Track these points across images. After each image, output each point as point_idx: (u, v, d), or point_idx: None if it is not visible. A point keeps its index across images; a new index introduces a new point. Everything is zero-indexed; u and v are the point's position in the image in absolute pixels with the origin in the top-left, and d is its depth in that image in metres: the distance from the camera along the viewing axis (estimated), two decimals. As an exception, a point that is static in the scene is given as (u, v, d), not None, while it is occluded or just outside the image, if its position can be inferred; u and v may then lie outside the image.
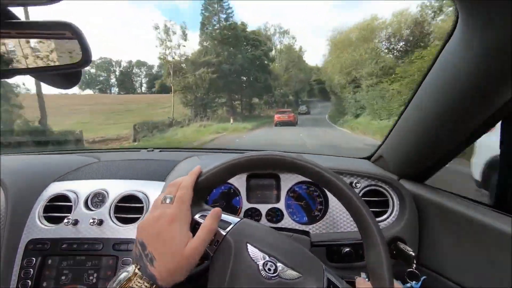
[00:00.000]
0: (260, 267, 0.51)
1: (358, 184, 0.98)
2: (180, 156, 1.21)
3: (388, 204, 0.97)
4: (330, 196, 0.97)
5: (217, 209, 0.55)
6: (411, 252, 0.79)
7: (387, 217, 0.96)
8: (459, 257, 0.77)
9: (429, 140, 0.84)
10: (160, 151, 1.40)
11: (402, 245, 0.85)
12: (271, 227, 0.94)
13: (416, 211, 0.92)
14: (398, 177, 1.02)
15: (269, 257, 0.52)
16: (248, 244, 0.53)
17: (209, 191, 0.61)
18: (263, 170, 0.99)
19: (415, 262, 0.78)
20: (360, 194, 0.98)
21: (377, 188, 0.99)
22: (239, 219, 0.57)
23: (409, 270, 0.80)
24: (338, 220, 0.95)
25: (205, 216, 0.54)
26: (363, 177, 0.99)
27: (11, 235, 0.85)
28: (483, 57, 0.57)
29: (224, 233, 0.53)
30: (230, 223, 0.55)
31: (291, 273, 0.52)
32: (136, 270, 0.48)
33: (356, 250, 0.88)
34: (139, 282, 0.47)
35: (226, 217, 0.57)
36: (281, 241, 0.59)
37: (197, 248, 0.50)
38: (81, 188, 0.95)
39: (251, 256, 0.52)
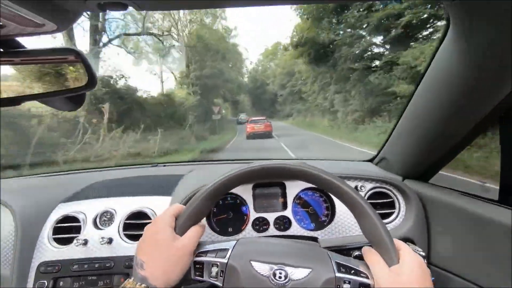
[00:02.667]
0: (271, 278, 0.52)
1: (363, 187, 0.99)
2: (184, 170, 1.22)
3: (394, 205, 0.98)
4: (336, 201, 0.97)
5: (203, 225, 0.60)
6: (421, 252, 0.79)
7: (394, 219, 0.96)
8: (469, 254, 0.77)
9: (430, 139, 0.86)
10: (164, 165, 1.40)
11: (411, 246, 0.85)
12: (280, 235, 0.95)
13: (422, 211, 0.93)
14: (402, 178, 1.02)
15: (275, 265, 0.54)
16: (251, 262, 0.54)
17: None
18: (265, 180, 1.01)
19: (425, 262, 0.78)
20: (366, 197, 0.98)
21: (382, 190, 0.99)
22: (234, 241, 0.59)
23: None
24: (346, 224, 0.95)
25: None
26: (367, 180, 0.99)
27: (21, 258, 0.85)
28: (476, 57, 0.59)
29: (225, 261, 0.54)
30: (227, 249, 0.56)
31: (301, 272, 0.54)
32: (130, 280, 0.51)
33: None
34: (131, 286, 0.50)
35: (219, 245, 0.58)
36: (281, 245, 0.61)
37: (185, 245, 0.54)
38: (89, 208, 0.96)
39: (258, 271, 0.53)
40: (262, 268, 0.53)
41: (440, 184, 0.97)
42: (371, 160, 1.27)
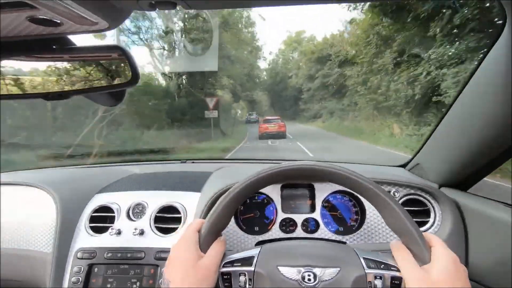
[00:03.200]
0: (300, 282, 0.52)
1: (396, 194, 0.95)
2: (212, 168, 1.25)
3: (429, 214, 0.93)
4: (367, 206, 0.94)
5: (222, 237, 0.60)
6: None
7: (429, 228, 0.92)
8: (510, 269, 0.71)
9: (474, 146, 0.81)
10: (193, 162, 1.44)
11: None
12: (307, 238, 0.94)
13: (460, 221, 0.88)
14: (438, 185, 0.97)
15: (303, 268, 0.53)
16: (279, 267, 0.53)
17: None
18: (296, 181, 1.00)
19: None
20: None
21: (417, 197, 0.95)
22: (258, 248, 0.58)
23: None
24: (376, 231, 0.92)
25: None
26: (401, 185, 0.96)
27: (61, 244, 0.91)
28: None
29: (252, 268, 0.54)
30: (253, 256, 0.56)
31: (330, 272, 0.53)
32: None
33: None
34: None
35: (244, 253, 0.58)
36: (306, 247, 0.61)
37: (210, 264, 0.54)
38: (123, 199, 1.00)
39: (287, 276, 0.52)
40: (290, 272, 0.53)
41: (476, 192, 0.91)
42: (403, 166, 1.22)
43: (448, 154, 0.92)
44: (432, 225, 0.91)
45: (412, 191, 0.95)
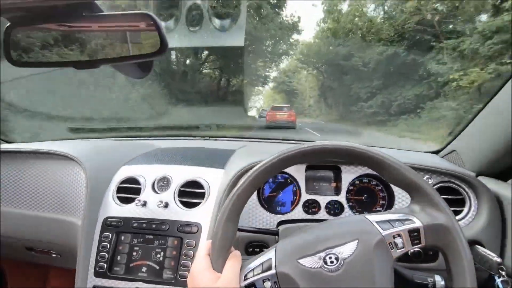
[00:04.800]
0: (324, 267, 0.50)
1: (429, 180, 0.90)
2: (235, 145, 1.24)
3: (463, 203, 0.88)
4: (396, 191, 0.90)
5: (236, 251, 0.58)
6: (496, 258, 0.70)
7: (462, 218, 0.87)
8: None
9: None
10: (216, 139, 1.44)
11: (482, 250, 0.76)
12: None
13: (498, 213, 0.82)
14: (476, 174, 0.91)
15: (323, 252, 0.51)
16: (299, 260, 0.52)
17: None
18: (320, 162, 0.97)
19: (502, 269, 0.69)
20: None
21: (451, 185, 0.90)
22: (273, 248, 0.56)
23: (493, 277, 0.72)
24: None
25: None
26: (435, 172, 0.90)
27: (90, 212, 0.94)
28: None
29: (274, 271, 0.52)
30: (270, 258, 0.54)
31: (349, 247, 0.51)
32: None
33: (425, 250, 0.81)
34: None
35: (260, 258, 0.55)
36: (319, 230, 0.58)
37: (228, 282, 0.51)
38: (148, 172, 1.02)
39: (309, 267, 0.51)
40: (312, 261, 0.51)
41: None
42: (436, 152, 1.15)
43: (489, 142, 0.85)
44: (466, 215, 0.86)
45: (446, 179, 0.90)
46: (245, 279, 0.53)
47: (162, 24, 0.54)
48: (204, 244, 0.59)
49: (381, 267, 0.50)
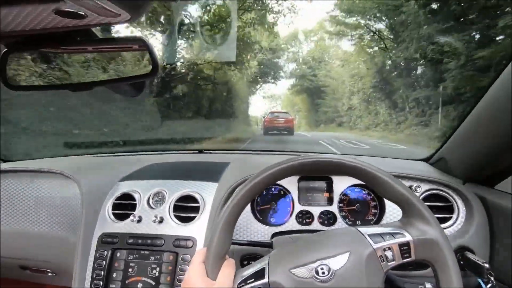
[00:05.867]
0: (316, 278, 0.51)
1: (418, 188, 0.92)
2: (230, 158, 1.26)
3: (452, 210, 0.90)
4: (387, 201, 0.92)
5: (230, 259, 0.59)
6: (484, 264, 0.72)
7: (452, 224, 0.89)
8: None
9: (502, 141, 0.77)
10: (211, 152, 1.45)
11: (471, 256, 0.78)
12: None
13: (486, 218, 0.84)
14: (463, 181, 0.94)
15: (314, 263, 0.52)
16: (291, 271, 0.53)
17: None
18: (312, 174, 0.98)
19: (490, 275, 0.71)
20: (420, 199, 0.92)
21: (440, 192, 0.92)
22: (267, 258, 0.57)
23: (483, 282, 0.73)
24: None
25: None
26: (423, 180, 0.93)
27: (86, 229, 0.95)
28: None
29: (267, 280, 0.53)
30: (264, 268, 0.55)
31: (341, 259, 0.52)
32: None
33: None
34: None
35: (254, 267, 0.57)
36: (312, 240, 0.59)
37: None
38: (143, 187, 1.03)
39: (302, 277, 0.52)
40: (304, 272, 0.52)
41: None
42: (426, 160, 1.18)
43: (475, 149, 0.88)
44: (455, 222, 0.88)
45: (435, 186, 0.92)
46: (238, 287, 0.54)
47: (153, 47, 0.57)
48: (199, 252, 0.60)
49: (372, 279, 0.51)
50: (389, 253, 0.52)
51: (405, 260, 0.53)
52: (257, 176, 0.57)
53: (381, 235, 0.54)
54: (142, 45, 0.58)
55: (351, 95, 19.36)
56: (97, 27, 0.60)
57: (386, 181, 0.56)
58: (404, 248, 0.53)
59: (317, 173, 0.59)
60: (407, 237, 0.53)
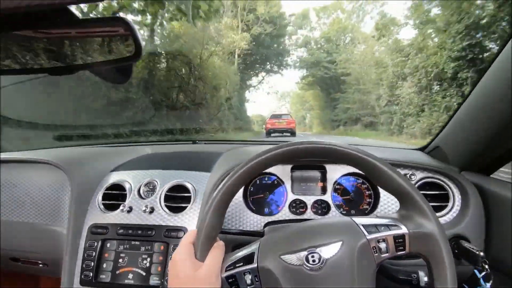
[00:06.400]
0: (305, 265, 0.50)
1: (413, 176, 0.91)
2: (223, 149, 1.24)
3: (448, 198, 0.89)
4: (382, 190, 0.91)
5: (220, 241, 0.58)
6: (479, 252, 0.71)
7: (447, 213, 0.88)
8: None
9: (498, 129, 0.75)
10: (205, 143, 1.43)
11: (466, 244, 0.77)
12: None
13: (481, 207, 0.83)
14: (459, 169, 0.92)
15: (305, 251, 0.51)
16: (281, 256, 0.52)
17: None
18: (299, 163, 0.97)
19: (485, 263, 0.70)
20: (416, 187, 0.91)
21: (435, 180, 0.91)
22: (258, 243, 0.56)
23: (478, 270, 0.73)
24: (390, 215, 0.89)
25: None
26: (418, 168, 0.91)
27: (76, 220, 0.93)
28: None
29: (255, 265, 0.52)
30: (253, 252, 0.54)
31: (333, 247, 0.51)
32: None
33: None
34: None
35: (244, 251, 0.56)
36: (305, 228, 0.58)
37: (209, 273, 0.52)
38: (134, 178, 1.01)
39: (291, 263, 0.51)
40: (294, 258, 0.51)
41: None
42: (422, 149, 1.17)
43: (471, 137, 0.86)
44: (450, 210, 0.87)
45: (430, 175, 0.91)
46: (226, 270, 0.53)
47: (136, 29, 0.54)
48: (189, 232, 0.59)
49: (363, 270, 0.50)
50: (383, 245, 0.51)
51: (399, 252, 0.52)
52: (252, 159, 0.55)
53: (376, 226, 0.53)
54: (125, 26, 0.55)
55: (396, 80, 13.06)
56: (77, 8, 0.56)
57: (385, 171, 0.54)
58: (399, 240, 0.51)
59: (311, 157, 0.57)
60: (403, 230, 0.52)
